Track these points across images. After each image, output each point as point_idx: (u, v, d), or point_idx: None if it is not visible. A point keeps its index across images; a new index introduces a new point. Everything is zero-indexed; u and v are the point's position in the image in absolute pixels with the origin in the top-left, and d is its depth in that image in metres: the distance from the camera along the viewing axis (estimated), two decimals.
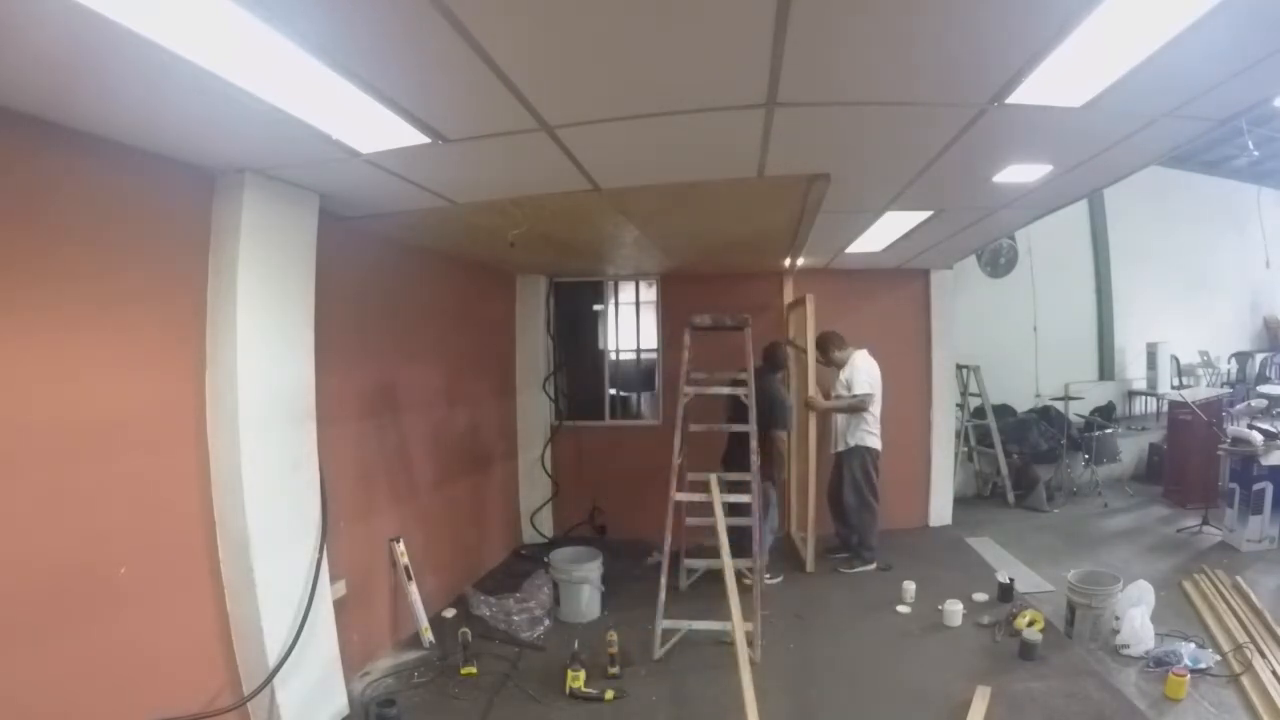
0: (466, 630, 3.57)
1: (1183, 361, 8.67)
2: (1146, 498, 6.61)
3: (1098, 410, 7.44)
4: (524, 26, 1.58)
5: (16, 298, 1.91)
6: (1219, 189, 9.03)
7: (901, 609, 4.15)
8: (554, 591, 4.14)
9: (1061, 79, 1.92)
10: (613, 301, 6.15)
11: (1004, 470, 6.68)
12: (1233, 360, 8.94)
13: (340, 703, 3.04)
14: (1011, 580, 4.25)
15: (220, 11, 1.40)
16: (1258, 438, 4.95)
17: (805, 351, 4.87)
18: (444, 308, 4.57)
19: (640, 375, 6.19)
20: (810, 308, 4.83)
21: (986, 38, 1.71)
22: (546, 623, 3.97)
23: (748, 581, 3.79)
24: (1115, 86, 1.98)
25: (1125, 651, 3.43)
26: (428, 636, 3.75)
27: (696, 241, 4.43)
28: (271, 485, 2.65)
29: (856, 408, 4.77)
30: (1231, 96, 2.13)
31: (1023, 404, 7.73)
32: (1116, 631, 3.52)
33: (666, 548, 3.69)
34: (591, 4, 1.49)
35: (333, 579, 3.07)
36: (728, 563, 3.35)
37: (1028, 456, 6.82)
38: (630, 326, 6.13)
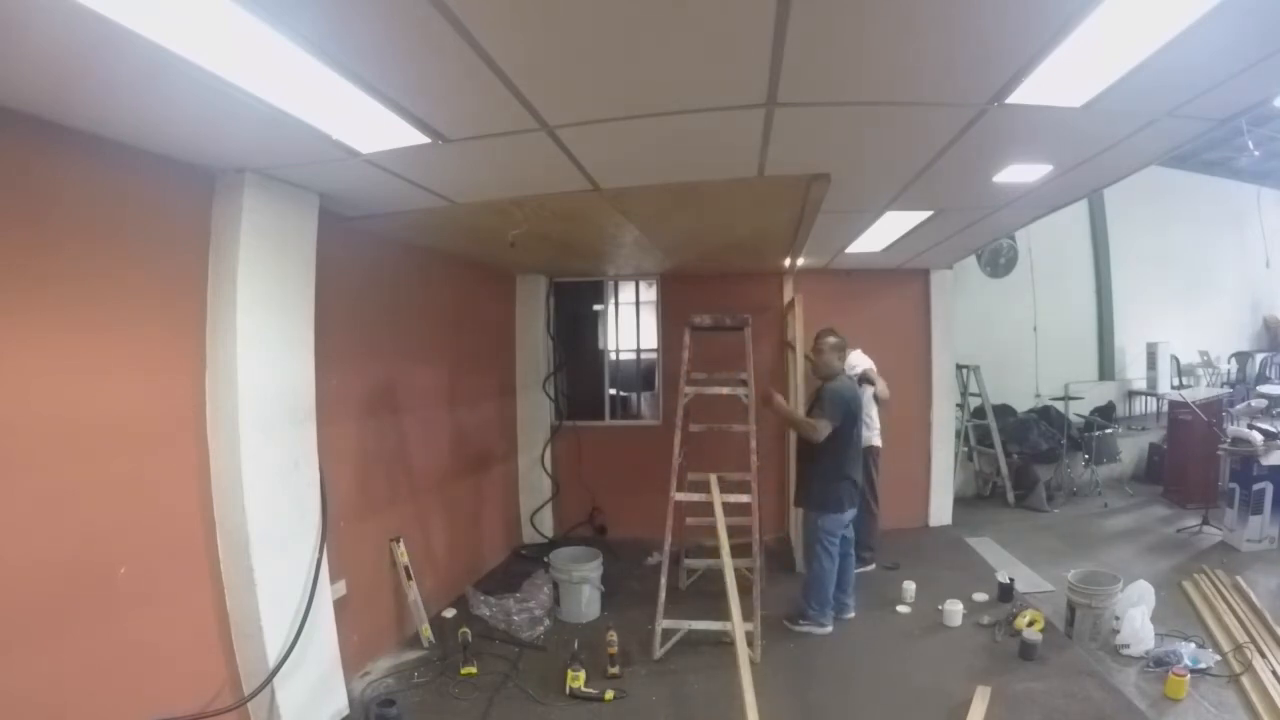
0: (466, 630, 3.57)
1: (1183, 361, 8.68)
2: (1146, 498, 6.61)
3: (1098, 410, 7.44)
4: (524, 26, 1.58)
5: (16, 298, 1.91)
6: (1219, 189, 9.04)
7: (901, 609, 4.15)
8: (554, 591, 4.14)
9: (1061, 79, 1.92)
10: (613, 301, 6.15)
11: (1004, 470, 6.68)
12: (1233, 360, 8.94)
13: (340, 702, 3.04)
14: (1011, 580, 4.25)
15: (220, 11, 1.40)
16: (1258, 438, 4.95)
17: (795, 351, 4.89)
18: (444, 308, 4.57)
19: (640, 375, 6.19)
20: (799, 309, 4.84)
21: (986, 38, 1.71)
22: (546, 623, 3.97)
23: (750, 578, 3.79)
24: (1115, 86, 1.98)
25: (1125, 651, 3.43)
26: (428, 636, 3.75)
27: (696, 242, 4.43)
28: (271, 485, 2.65)
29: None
30: (1231, 96, 2.13)
31: (1023, 404, 7.72)
32: (1116, 631, 3.52)
33: (666, 548, 3.69)
34: (592, 4, 1.49)
35: (333, 579, 3.07)
36: (728, 563, 3.35)
37: (1028, 456, 6.82)
38: (630, 326, 6.13)
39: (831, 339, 3.94)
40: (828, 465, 3.80)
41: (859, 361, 4.80)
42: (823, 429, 3.71)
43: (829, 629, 3.87)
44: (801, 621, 3.89)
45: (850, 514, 3.89)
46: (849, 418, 3.80)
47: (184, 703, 2.35)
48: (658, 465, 4.04)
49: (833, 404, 3.75)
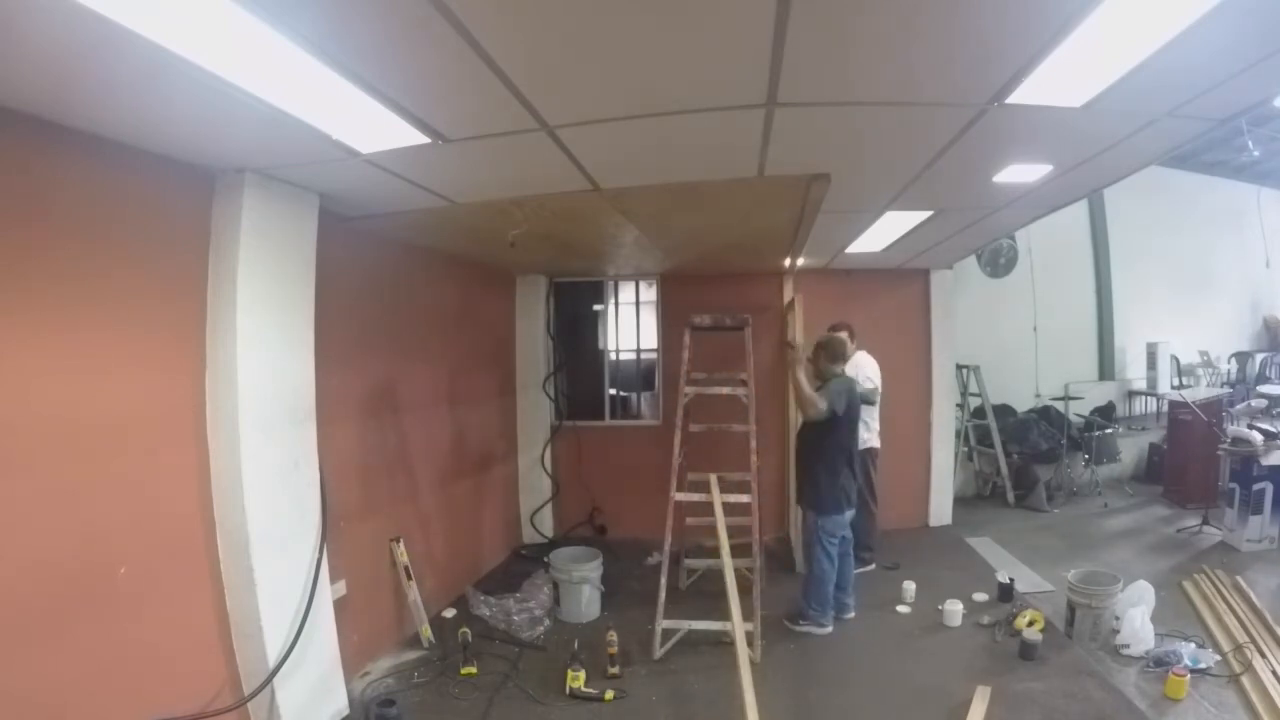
0: (466, 630, 3.57)
1: (1183, 361, 8.67)
2: (1146, 498, 6.61)
3: (1098, 410, 7.44)
4: (524, 26, 1.58)
5: (16, 298, 1.91)
6: (1219, 189, 9.04)
7: (901, 609, 4.15)
8: (554, 591, 4.14)
9: (1061, 79, 1.92)
10: (613, 301, 6.15)
11: (1004, 470, 6.68)
12: (1233, 360, 8.94)
13: (340, 703, 3.04)
14: (1011, 580, 4.25)
15: (220, 11, 1.40)
16: (1258, 438, 4.95)
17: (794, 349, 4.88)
18: (444, 308, 4.57)
19: (640, 375, 6.19)
20: (799, 309, 4.84)
21: (986, 38, 1.71)
22: (546, 623, 3.97)
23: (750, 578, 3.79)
24: (1115, 86, 1.98)
25: (1125, 651, 3.43)
26: (428, 636, 3.75)
27: (696, 242, 4.43)
28: (271, 485, 2.65)
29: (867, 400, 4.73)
30: (1231, 96, 2.13)
31: (1023, 404, 7.72)
32: (1116, 631, 3.52)
33: (666, 548, 3.69)
34: (592, 4, 1.49)
35: (333, 579, 3.07)
36: (728, 563, 3.35)
37: (1028, 456, 6.82)
38: (630, 326, 6.13)
39: (824, 350, 3.95)
40: (825, 465, 3.81)
41: (864, 364, 4.78)
42: (820, 406, 3.67)
43: (829, 629, 3.87)
44: (802, 621, 3.89)
45: (849, 514, 3.89)
46: (848, 410, 3.80)
47: (184, 703, 2.35)
48: (658, 465, 4.05)
49: (835, 393, 3.76)
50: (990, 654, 3.55)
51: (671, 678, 3.39)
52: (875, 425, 4.86)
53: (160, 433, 2.37)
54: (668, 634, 3.63)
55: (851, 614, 4.04)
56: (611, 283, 6.09)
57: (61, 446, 2.02)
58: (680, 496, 3.76)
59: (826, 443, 3.81)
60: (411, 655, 3.65)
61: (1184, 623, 3.74)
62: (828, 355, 3.93)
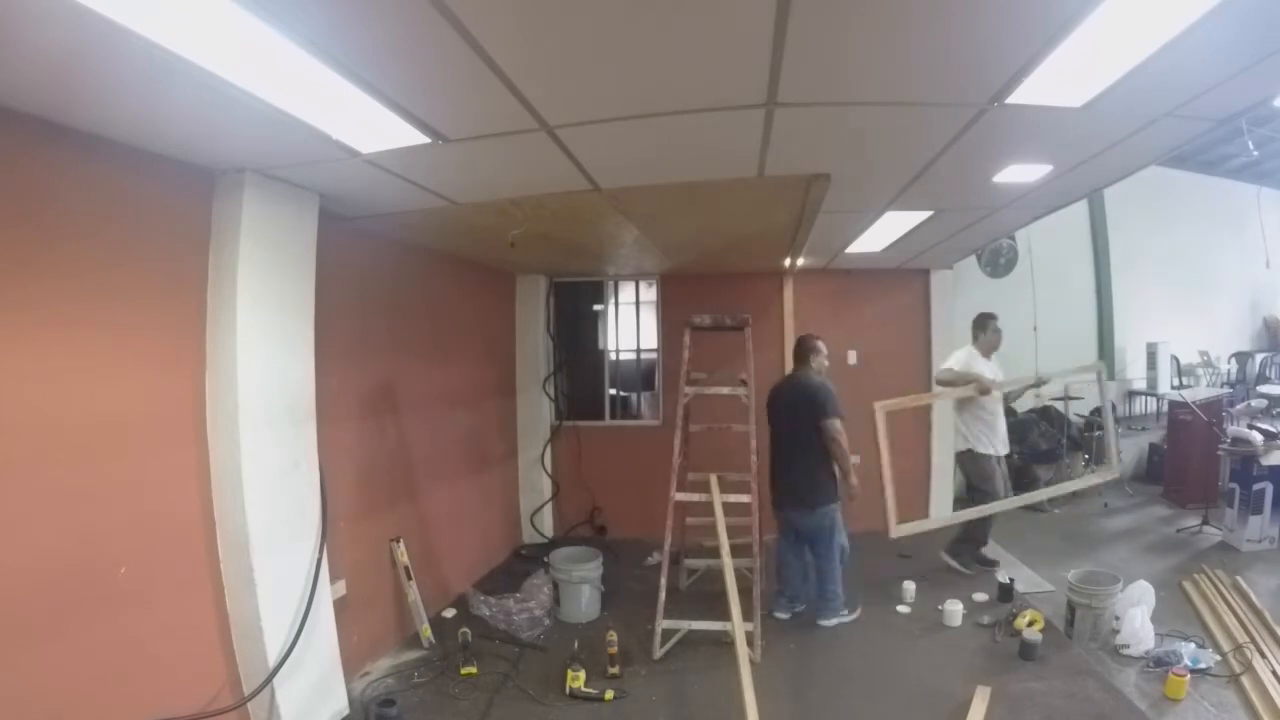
0: (466, 630, 3.57)
1: (1183, 361, 8.67)
2: (1146, 498, 6.62)
3: (1098, 410, 7.43)
4: (524, 26, 1.58)
5: (16, 297, 1.91)
6: (1219, 189, 9.03)
7: (901, 609, 4.15)
8: (554, 591, 4.14)
9: (1061, 79, 1.92)
10: (613, 301, 6.16)
11: (1004, 470, 6.66)
12: (1233, 360, 8.94)
13: (340, 703, 3.04)
14: (1011, 580, 4.25)
15: (220, 11, 1.40)
16: (1258, 438, 4.95)
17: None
18: (444, 308, 4.57)
19: (640, 375, 6.19)
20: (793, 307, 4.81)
21: (986, 38, 1.71)
22: (546, 623, 3.97)
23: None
24: (1115, 87, 1.98)
25: (1125, 651, 3.42)
26: (428, 636, 3.75)
27: (696, 242, 4.43)
28: (271, 485, 2.65)
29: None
30: (1231, 96, 2.13)
31: (1022, 404, 7.71)
32: (1116, 631, 3.52)
33: (666, 548, 3.69)
34: (592, 4, 1.49)
35: (333, 579, 3.07)
36: (728, 563, 3.35)
37: (1028, 456, 6.81)
38: (630, 326, 6.14)
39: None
40: (819, 458, 3.87)
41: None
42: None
43: (855, 615, 3.97)
44: (835, 616, 3.91)
45: (794, 515, 3.96)
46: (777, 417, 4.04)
47: (184, 703, 2.35)
48: (658, 465, 4.04)
49: (834, 400, 3.87)
50: (990, 654, 3.55)
51: (671, 678, 3.39)
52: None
53: (160, 432, 2.37)
54: (668, 634, 3.63)
55: (786, 614, 4.05)
56: (611, 283, 6.09)
57: (61, 446, 2.02)
58: (680, 496, 3.76)
59: (812, 438, 3.90)
60: (411, 655, 3.65)
61: (1184, 623, 3.74)
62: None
